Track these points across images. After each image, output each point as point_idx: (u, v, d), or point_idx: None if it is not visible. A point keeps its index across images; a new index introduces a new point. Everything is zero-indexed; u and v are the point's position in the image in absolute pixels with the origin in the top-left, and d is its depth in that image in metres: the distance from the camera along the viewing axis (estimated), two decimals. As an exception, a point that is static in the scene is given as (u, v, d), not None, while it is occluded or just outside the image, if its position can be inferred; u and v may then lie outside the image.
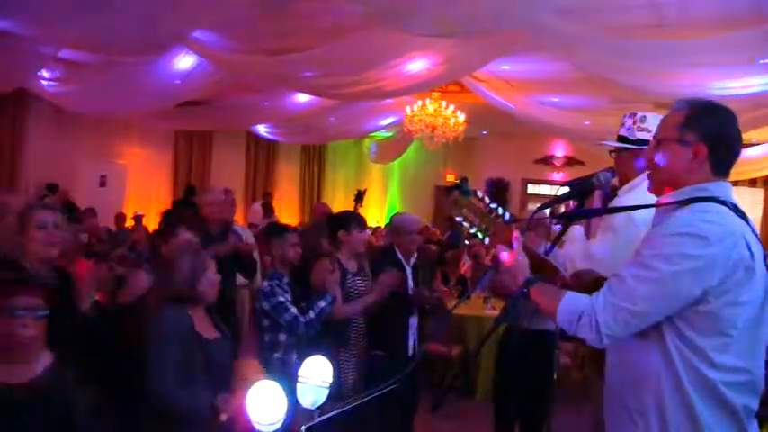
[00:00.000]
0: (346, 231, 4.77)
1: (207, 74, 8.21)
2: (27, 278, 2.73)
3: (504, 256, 2.25)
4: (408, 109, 11.05)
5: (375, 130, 14.59)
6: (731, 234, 1.96)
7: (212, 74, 8.20)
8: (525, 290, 2.22)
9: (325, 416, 1.97)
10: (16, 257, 3.22)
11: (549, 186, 16.41)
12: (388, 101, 10.68)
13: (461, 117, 11.18)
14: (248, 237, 6.67)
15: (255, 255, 6.54)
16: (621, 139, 3.25)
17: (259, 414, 1.77)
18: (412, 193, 17.66)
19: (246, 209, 15.02)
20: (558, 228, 2.66)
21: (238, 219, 13.31)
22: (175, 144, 14.05)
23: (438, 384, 7.10)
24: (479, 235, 2.32)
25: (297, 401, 2.03)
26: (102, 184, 12.59)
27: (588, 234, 3.26)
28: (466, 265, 8.80)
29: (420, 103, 10.94)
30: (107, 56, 7.91)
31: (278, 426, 1.81)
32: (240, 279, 5.89)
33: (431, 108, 10.95)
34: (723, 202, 2.03)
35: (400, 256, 5.00)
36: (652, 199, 2.23)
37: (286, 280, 4.34)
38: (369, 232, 4.89)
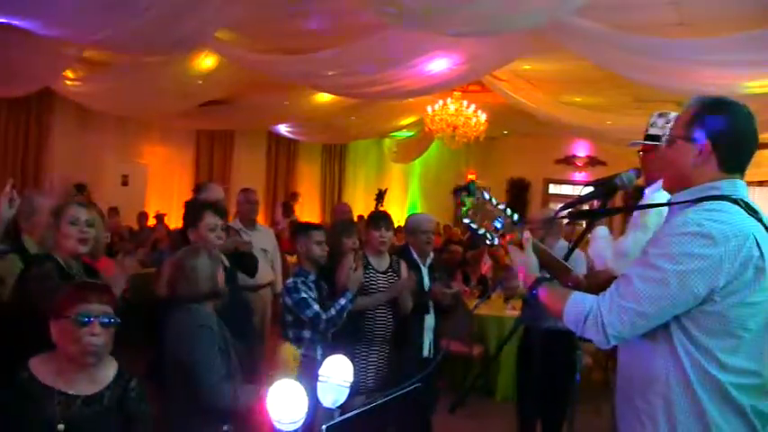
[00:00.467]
0: (366, 231, 4.88)
1: (229, 73, 8.25)
2: (98, 284, 2.71)
3: (515, 257, 2.25)
4: (429, 108, 11.04)
5: (396, 130, 14.58)
6: (739, 233, 1.93)
7: (234, 73, 8.24)
8: (534, 291, 2.21)
9: (346, 415, 1.96)
10: (51, 250, 3.28)
11: (570, 186, 16.35)
12: (409, 100, 10.66)
13: (482, 117, 11.15)
14: (270, 238, 6.67)
15: (273, 257, 6.56)
16: (651, 137, 3.23)
17: (280, 412, 1.77)
18: (433, 192, 17.64)
19: (267, 208, 15.07)
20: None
21: (259, 217, 13.39)
22: (197, 143, 14.11)
23: (459, 385, 7.10)
24: (488, 236, 2.31)
25: (317, 400, 2.02)
26: (125, 184, 12.68)
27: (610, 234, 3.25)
28: (486, 265, 8.78)
29: (441, 102, 10.93)
30: (130, 56, 7.96)
31: (298, 425, 1.81)
32: (258, 278, 5.87)
33: (452, 108, 10.94)
34: (736, 201, 2.01)
35: (415, 255, 5.01)
36: None
37: (312, 278, 4.36)
38: (386, 231, 4.88)
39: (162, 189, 13.01)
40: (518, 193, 16.63)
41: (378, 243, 4.81)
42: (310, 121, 12.62)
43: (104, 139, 12.03)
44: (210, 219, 4.19)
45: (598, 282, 2.29)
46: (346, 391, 2.04)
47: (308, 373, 1.94)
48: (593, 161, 16.16)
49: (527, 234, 2.29)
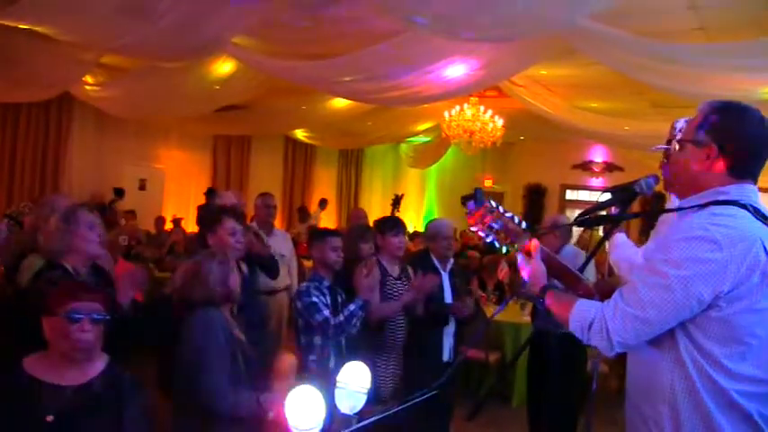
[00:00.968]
0: (382, 236, 4.83)
1: (246, 78, 8.29)
2: (87, 283, 2.79)
3: (524, 264, 2.25)
4: (446, 114, 11.03)
5: (412, 135, 14.58)
6: (746, 238, 1.91)
7: (252, 79, 8.27)
8: (541, 298, 2.21)
9: (364, 422, 1.96)
10: (58, 257, 3.29)
11: (587, 192, 16.27)
12: (426, 106, 10.66)
13: (499, 122, 11.12)
14: (287, 242, 6.69)
15: (290, 261, 6.57)
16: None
17: (297, 419, 1.77)
18: (449, 197, 17.60)
19: (283, 213, 15.12)
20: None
21: (276, 222, 13.43)
22: (214, 148, 14.18)
23: (475, 391, 7.08)
24: (496, 244, 2.31)
25: (335, 407, 2.02)
26: (142, 188, 12.76)
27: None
28: (503, 270, 8.74)
29: (458, 108, 10.91)
30: (148, 61, 8.02)
31: (316, 431, 1.80)
32: (274, 283, 5.88)
33: (469, 113, 10.91)
34: (744, 206, 1.99)
35: (436, 261, 5.00)
36: None
37: (326, 283, 4.33)
38: (402, 237, 4.88)
39: (179, 193, 13.09)
40: (535, 199, 16.57)
41: (396, 249, 4.81)
42: (327, 127, 12.65)
43: (122, 144, 12.11)
44: (230, 223, 4.20)
45: (608, 290, 2.28)
46: (364, 398, 2.04)
47: (320, 380, 1.94)
48: (610, 167, 16.08)
49: (535, 242, 2.28)
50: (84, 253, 3.35)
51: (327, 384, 2.06)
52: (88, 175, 11.29)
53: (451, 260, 5.15)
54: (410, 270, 4.93)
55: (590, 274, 4.69)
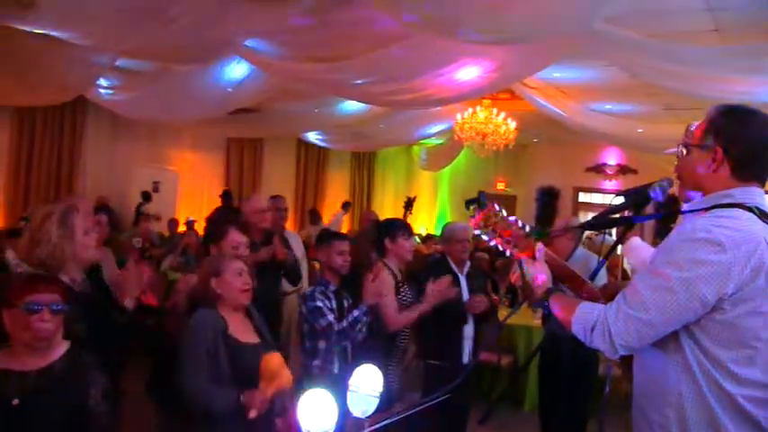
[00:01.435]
0: (392, 240, 4.76)
1: (259, 81, 8.31)
2: (46, 276, 2.82)
3: (527, 268, 2.24)
4: (459, 116, 11.01)
5: (425, 138, 14.57)
6: (750, 240, 1.90)
7: (264, 81, 8.29)
8: (545, 301, 2.20)
9: (376, 425, 1.96)
10: (61, 263, 3.24)
11: (601, 195, 16.19)
12: (438, 108, 10.65)
13: (512, 125, 11.10)
14: (297, 243, 6.70)
15: (300, 263, 6.58)
16: None
17: (309, 423, 1.77)
18: (462, 200, 17.51)
19: (296, 215, 15.15)
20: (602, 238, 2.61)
21: (288, 224, 13.45)
22: (227, 150, 14.24)
23: (487, 395, 7.06)
24: (500, 247, 2.30)
25: (345, 410, 2.02)
26: (155, 190, 12.82)
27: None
28: (516, 274, 8.70)
29: (470, 110, 10.90)
30: (162, 64, 8.06)
31: (328, 435, 1.80)
32: (285, 286, 5.90)
33: (481, 116, 10.89)
34: (750, 209, 1.98)
35: (453, 264, 4.99)
36: None
37: (332, 288, 4.31)
38: (415, 240, 4.85)
39: (192, 196, 13.15)
40: (548, 202, 16.50)
41: (407, 252, 4.79)
42: (340, 129, 12.66)
43: (136, 146, 12.19)
44: (234, 236, 4.15)
45: (611, 293, 2.27)
46: (376, 401, 2.03)
47: (324, 385, 1.93)
48: (623, 169, 15.99)
49: (540, 245, 2.27)
50: (81, 261, 3.27)
51: (332, 389, 2.06)
52: (102, 178, 11.38)
53: (468, 263, 5.14)
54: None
55: (601, 278, 4.67)
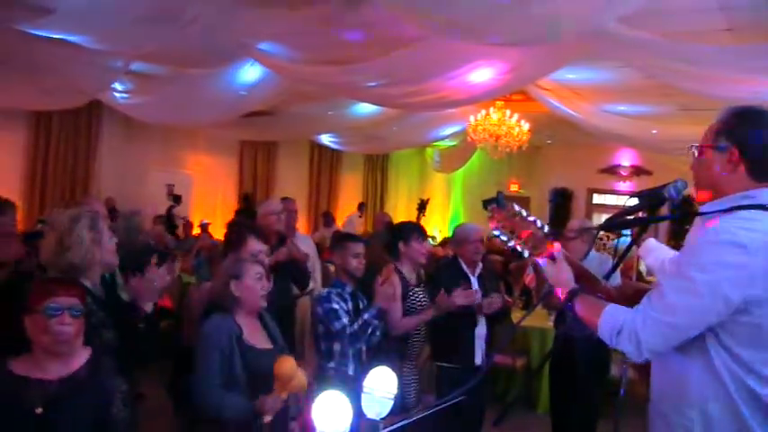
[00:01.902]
0: (405, 243, 4.77)
1: (272, 84, 8.33)
2: (65, 279, 2.81)
3: (548, 269, 2.23)
4: (472, 118, 11.00)
5: (438, 139, 14.57)
6: None
7: (278, 84, 8.31)
8: (569, 303, 2.19)
9: (391, 427, 1.96)
10: (90, 267, 3.26)
11: (615, 196, 16.13)
12: (452, 110, 10.64)
13: (525, 126, 11.08)
14: (309, 245, 6.72)
15: (313, 265, 6.59)
16: None
17: (324, 424, 1.78)
18: (475, 202, 17.38)
19: (310, 218, 15.18)
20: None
21: (301, 227, 13.49)
22: (240, 153, 14.28)
23: (501, 396, 7.05)
24: (518, 248, 2.29)
25: (360, 412, 2.02)
26: (170, 193, 12.87)
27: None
28: (530, 275, 8.68)
29: (484, 112, 10.88)
30: (176, 68, 8.10)
31: (343, 436, 1.81)
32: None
33: (495, 117, 10.88)
34: None
35: (464, 266, 4.98)
36: None
37: (348, 290, 4.30)
38: (429, 242, 4.85)
39: (206, 198, 13.20)
40: (561, 203, 16.46)
41: (421, 255, 4.79)
42: (353, 132, 12.67)
43: (150, 150, 12.26)
44: (253, 244, 4.12)
45: (627, 293, 2.26)
46: (390, 403, 2.04)
47: (340, 388, 1.93)
48: (638, 171, 15.93)
49: (558, 245, 2.27)
50: (106, 265, 3.30)
51: (347, 391, 2.06)
52: (117, 181, 11.44)
53: (480, 265, 5.13)
54: (422, 273, 4.90)
55: (615, 280, 4.66)
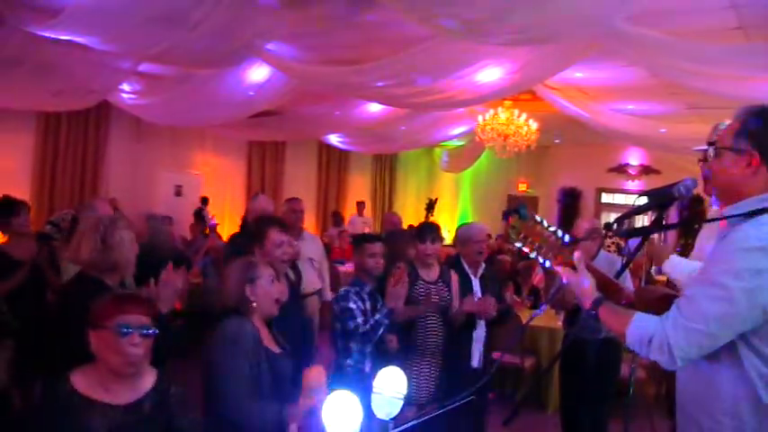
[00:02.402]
0: (419, 242, 4.84)
1: (280, 85, 8.34)
2: (137, 295, 2.71)
3: (570, 278, 2.22)
4: (480, 118, 10.99)
5: (446, 139, 14.56)
6: None
7: (286, 84, 8.32)
8: (594, 311, 2.17)
9: (400, 428, 1.96)
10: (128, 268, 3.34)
11: (623, 195, 16.10)
12: (460, 110, 10.63)
13: (534, 126, 11.06)
14: (317, 246, 6.72)
15: (320, 264, 6.59)
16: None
17: (334, 424, 1.77)
18: (484, 201, 17.55)
19: (318, 218, 15.19)
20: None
21: (310, 227, 13.51)
22: (249, 154, 14.29)
23: (511, 396, 7.04)
24: (540, 259, 2.27)
25: (371, 412, 2.02)
26: (178, 194, 12.90)
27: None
28: (538, 275, 8.69)
29: (492, 111, 10.87)
30: (184, 68, 8.12)
31: (352, 436, 1.80)
32: (303, 287, 5.91)
33: (503, 117, 10.86)
34: None
35: (467, 267, 4.98)
36: None
37: (367, 289, 4.33)
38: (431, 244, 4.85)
39: (215, 199, 13.20)
40: (570, 203, 16.43)
41: (424, 255, 4.80)
42: (361, 132, 12.67)
43: (159, 150, 12.28)
44: (275, 235, 4.10)
45: (647, 298, 2.24)
46: (400, 404, 2.03)
47: (357, 385, 1.93)
48: (646, 170, 15.89)
49: (578, 254, 2.25)
50: (127, 268, 3.37)
51: (364, 389, 2.06)
52: (126, 182, 11.46)
53: (483, 265, 5.12)
54: (453, 276, 4.90)
55: (625, 281, 4.64)
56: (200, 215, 12.00)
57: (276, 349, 3.23)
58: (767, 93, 5.90)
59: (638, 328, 2.03)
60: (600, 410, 5.17)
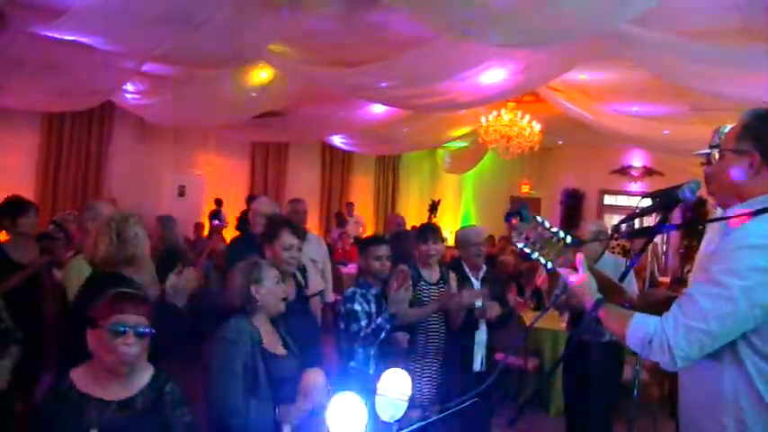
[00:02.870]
0: (415, 244, 4.86)
1: (283, 86, 8.34)
2: (134, 294, 2.74)
3: (572, 279, 2.21)
4: (483, 119, 10.99)
5: (449, 141, 14.55)
6: None
7: (288, 86, 8.33)
8: (594, 312, 2.17)
9: (404, 430, 1.95)
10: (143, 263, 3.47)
11: (626, 197, 16.09)
12: (463, 111, 10.63)
13: (537, 127, 11.05)
14: (321, 247, 6.72)
15: (324, 266, 6.58)
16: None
17: (338, 426, 1.77)
18: (486, 203, 17.55)
19: (321, 219, 15.19)
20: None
21: (313, 228, 13.50)
22: (252, 155, 14.30)
23: (514, 398, 7.04)
24: (542, 260, 2.27)
25: (375, 414, 2.02)
26: (181, 194, 12.91)
27: (668, 247, 3.16)
28: (541, 277, 8.68)
29: (495, 113, 10.86)
30: (188, 69, 8.13)
31: (356, 438, 1.80)
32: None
33: (506, 118, 10.86)
34: None
35: (467, 269, 4.98)
36: None
37: (373, 291, 4.30)
38: (433, 244, 4.85)
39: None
40: (573, 204, 16.42)
41: (425, 256, 4.80)
42: (364, 133, 12.68)
43: (162, 151, 12.30)
44: (287, 238, 4.08)
45: (650, 301, 2.23)
46: (404, 406, 2.03)
47: (361, 387, 1.92)
48: (649, 171, 15.87)
49: (580, 255, 2.24)
50: (143, 262, 3.49)
51: (368, 391, 2.06)
52: (129, 182, 11.47)
53: (484, 267, 5.12)
54: (451, 275, 4.90)
55: (632, 286, 4.64)
56: (215, 217, 11.98)
57: (281, 350, 3.25)
58: (771, 94, 5.89)
59: (639, 328, 2.02)
60: (604, 412, 5.16)
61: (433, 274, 4.82)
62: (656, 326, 1.98)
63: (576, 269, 2.23)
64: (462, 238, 5.12)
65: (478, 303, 4.80)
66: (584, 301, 2.20)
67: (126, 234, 3.40)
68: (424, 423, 2.01)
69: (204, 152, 13.36)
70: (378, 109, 10.15)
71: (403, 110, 9.80)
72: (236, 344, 3.04)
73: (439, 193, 17.23)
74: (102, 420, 2.43)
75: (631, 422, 4.67)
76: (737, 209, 2.05)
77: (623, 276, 2.44)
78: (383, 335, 4.11)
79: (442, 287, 4.79)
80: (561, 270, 2.25)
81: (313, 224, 14.30)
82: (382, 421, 2.01)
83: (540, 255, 2.25)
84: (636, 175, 16.14)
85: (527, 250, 2.26)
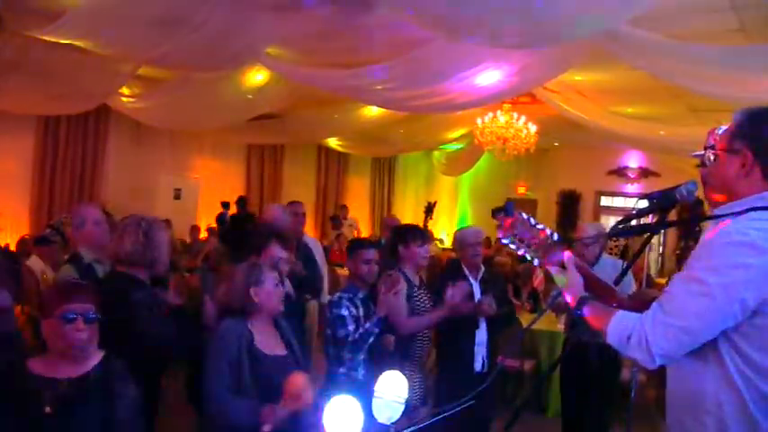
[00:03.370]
0: (405, 246, 4.71)
1: (279, 88, 8.34)
2: (80, 283, 2.92)
3: (557, 276, 2.21)
4: (479, 121, 10.98)
5: (445, 142, 14.55)
6: None
7: (284, 88, 8.33)
8: (579, 310, 2.16)
9: (401, 432, 1.95)
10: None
11: (623, 198, 16.10)
12: (459, 113, 10.63)
13: (533, 129, 11.05)
14: (317, 250, 6.69)
15: (319, 266, 6.57)
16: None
17: (335, 429, 1.77)
18: (483, 204, 17.49)
19: (317, 221, 15.18)
20: None
21: (309, 230, 13.49)
22: (248, 157, 14.31)
23: (511, 400, 7.03)
24: (528, 257, 2.27)
25: (371, 417, 2.01)
26: (177, 197, 12.90)
27: (665, 248, 3.17)
28: (538, 278, 8.68)
29: (491, 114, 10.86)
30: (183, 72, 8.12)
31: (353, 441, 1.80)
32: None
33: (502, 120, 10.85)
34: None
35: (466, 270, 4.97)
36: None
37: (361, 295, 4.27)
38: (428, 246, 4.80)
39: (213, 203, 13.20)
40: (569, 206, 16.42)
41: (421, 259, 4.76)
42: (360, 135, 12.68)
43: (158, 154, 12.29)
44: (276, 251, 4.07)
45: (643, 301, 2.22)
46: (401, 408, 2.03)
47: (350, 393, 1.91)
48: (646, 172, 15.87)
49: (568, 253, 2.24)
50: (161, 266, 3.59)
51: (357, 396, 2.05)
52: (125, 185, 11.46)
53: (483, 268, 5.11)
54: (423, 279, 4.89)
55: (629, 285, 4.63)
56: (223, 221, 11.97)
57: (280, 351, 3.29)
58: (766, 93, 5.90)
59: (618, 325, 2.01)
60: (601, 414, 5.16)
61: (416, 278, 4.80)
62: (635, 323, 1.97)
63: (563, 266, 2.23)
64: (460, 238, 5.11)
65: (478, 297, 4.79)
66: (569, 299, 2.20)
67: (153, 236, 3.50)
68: (421, 426, 2.00)
69: (200, 155, 13.36)
70: (374, 111, 10.15)
71: (399, 111, 9.80)
72: (223, 341, 3.15)
73: (435, 195, 17.20)
74: (54, 397, 2.55)
75: (629, 423, 4.66)
76: (725, 208, 2.04)
77: (621, 277, 2.44)
78: (371, 339, 4.09)
79: (423, 291, 4.73)
80: (549, 267, 2.25)
81: (309, 226, 14.28)
82: (379, 423, 2.01)
83: (526, 251, 2.26)
84: (632, 176, 16.15)
85: (512, 246, 2.26)
